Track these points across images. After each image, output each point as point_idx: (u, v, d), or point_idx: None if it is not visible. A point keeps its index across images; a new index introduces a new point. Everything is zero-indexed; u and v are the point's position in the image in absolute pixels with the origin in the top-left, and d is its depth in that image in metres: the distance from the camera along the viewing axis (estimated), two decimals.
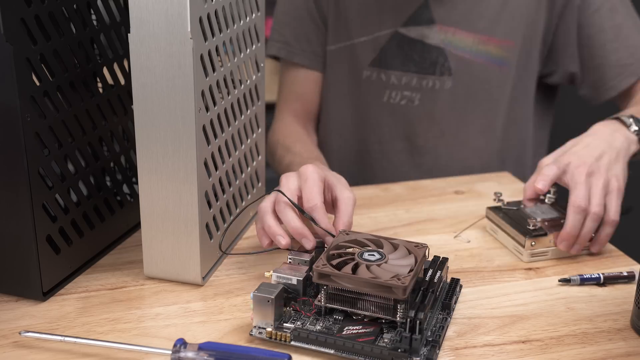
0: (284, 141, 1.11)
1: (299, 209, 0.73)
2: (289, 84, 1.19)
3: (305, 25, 1.13)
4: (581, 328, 0.67)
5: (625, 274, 0.75)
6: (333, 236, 0.71)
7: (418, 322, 0.59)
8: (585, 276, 0.75)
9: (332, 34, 1.12)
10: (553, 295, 0.73)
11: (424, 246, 0.68)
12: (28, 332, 0.63)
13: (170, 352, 0.59)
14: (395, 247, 0.68)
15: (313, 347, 0.61)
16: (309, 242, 0.71)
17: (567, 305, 0.71)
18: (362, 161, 1.17)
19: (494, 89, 1.11)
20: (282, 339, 0.62)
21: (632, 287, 0.74)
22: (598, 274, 0.75)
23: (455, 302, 0.69)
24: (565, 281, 0.75)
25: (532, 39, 1.09)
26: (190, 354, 0.59)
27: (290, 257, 0.69)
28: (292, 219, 0.71)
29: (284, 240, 0.71)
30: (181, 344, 0.59)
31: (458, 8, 1.07)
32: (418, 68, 1.09)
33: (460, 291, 0.72)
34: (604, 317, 0.69)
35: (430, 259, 0.71)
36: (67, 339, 0.62)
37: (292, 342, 0.62)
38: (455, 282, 0.70)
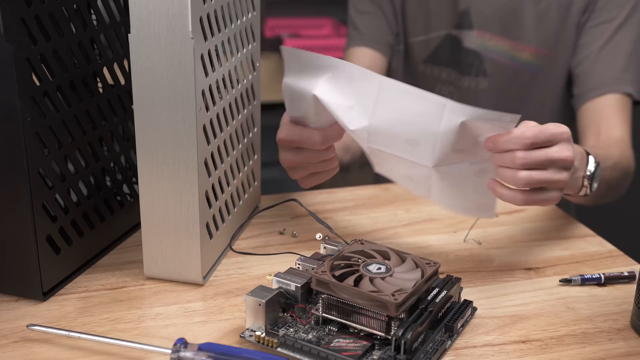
0: None
1: (315, 216, 0.76)
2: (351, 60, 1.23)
3: (376, 17, 1.21)
4: (581, 328, 0.67)
5: (626, 274, 0.76)
6: None
7: (403, 342, 0.58)
8: (586, 276, 0.75)
9: (398, 33, 1.22)
10: (553, 295, 0.73)
11: (435, 264, 0.66)
12: (34, 325, 0.63)
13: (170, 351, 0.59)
14: (403, 260, 0.66)
15: (297, 356, 0.60)
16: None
17: (567, 305, 0.71)
18: None
19: (526, 91, 1.17)
20: (270, 345, 0.61)
21: (632, 287, 0.75)
22: (599, 274, 0.75)
23: (463, 326, 0.66)
24: (566, 281, 0.75)
25: (563, 47, 1.13)
26: (189, 354, 0.59)
27: (299, 262, 0.68)
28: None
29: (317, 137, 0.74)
30: (181, 343, 0.59)
31: (496, 17, 1.13)
32: (457, 68, 1.19)
33: (473, 314, 0.68)
34: (604, 317, 0.69)
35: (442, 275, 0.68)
36: (72, 334, 0.62)
37: (279, 349, 0.61)
38: (466, 304, 0.67)
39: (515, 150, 0.67)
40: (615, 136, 1.04)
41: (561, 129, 0.69)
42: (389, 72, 1.25)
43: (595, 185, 0.79)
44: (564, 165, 0.69)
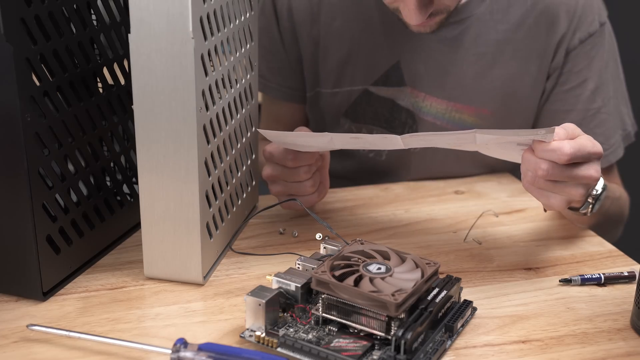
0: None
1: (315, 216, 0.78)
2: (270, 114, 1.18)
3: (276, 59, 1.11)
4: (581, 328, 0.67)
5: (626, 274, 0.76)
6: None
7: (403, 342, 0.58)
8: (586, 276, 0.75)
9: (310, 82, 1.11)
10: (553, 295, 0.73)
11: (435, 264, 0.66)
12: (34, 325, 0.63)
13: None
14: (403, 260, 0.66)
15: (297, 356, 0.60)
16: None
17: (567, 305, 0.71)
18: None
19: (463, 153, 1.05)
20: (270, 345, 0.61)
21: (632, 287, 0.75)
22: (599, 274, 0.75)
23: (463, 326, 0.66)
24: (566, 281, 0.75)
25: (507, 109, 1.03)
26: (189, 354, 0.59)
27: (299, 262, 0.68)
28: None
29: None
30: (181, 343, 0.59)
31: (430, 74, 1.02)
32: (387, 125, 1.07)
33: (473, 314, 0.68)
34: (604, 317, 0.69)
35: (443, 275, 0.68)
36: (72, 334, 0.62)
37: (279, 349, 0.61)
38: (466, 304, 0.67)
39: (546, 160, 0.68)
40: (615, 182, 1.04)
41: (596, 148, 0.70)
42: (310, 119, 1.16)
43: (597, 207, 0.78)
44: (586, 182, 0.70)
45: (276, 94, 1.13)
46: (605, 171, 1.02)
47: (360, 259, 0.66)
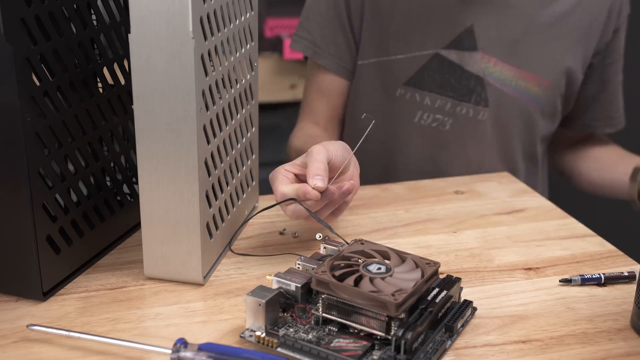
0: (298, 144, 1.13)
1: (315, 216, 0.74)
2: (315, 84, 1.18)
3: (333, 29, 1.13)
4: (581, 328, 0.67)
5: (626, 274, 0.76)
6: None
7: (404, 342, 0.58)
8: (586, 276, 0.75)
9: (366, 49, 1.11)
10: (553, 295, 0.73)
11: (435, 264, 0.66)
12: (34, 325, 0.63)
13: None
14: (403, 260, 0.66)
15: (297, 356, 0.60)
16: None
17: (567, 305, 0.71)
18: (387, 179, 1.14)
19: (526, 126, 1.13)
20: (270, 345, 0.61)
21: (632, 287, 0.75)
22: (599, 274, 0.75)
23: (463, 326, 0.66)
24: (567, 281, 0.75)
25: (562, 81, 1.12)
26: (189, 354, 0.59)
27: (299, 262, 0.68)
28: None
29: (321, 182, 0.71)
30: (181, 343, 0.59)
31: (503, 39, 1.07)
32: (454, 93, 1.09)
33: (473, 314, 0.68)
34: (604, 317, 0.69)
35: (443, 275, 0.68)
36: (72, 334, 0.62)
37: (279, 349, 0.61)
38: (466, 304, 0.67)
39: None
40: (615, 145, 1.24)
41: None
42: (358, 93, 1.17)
43: None
44: None
45: (325, 62, 1.14)
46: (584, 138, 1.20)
47: (360, 259, 0.66)
